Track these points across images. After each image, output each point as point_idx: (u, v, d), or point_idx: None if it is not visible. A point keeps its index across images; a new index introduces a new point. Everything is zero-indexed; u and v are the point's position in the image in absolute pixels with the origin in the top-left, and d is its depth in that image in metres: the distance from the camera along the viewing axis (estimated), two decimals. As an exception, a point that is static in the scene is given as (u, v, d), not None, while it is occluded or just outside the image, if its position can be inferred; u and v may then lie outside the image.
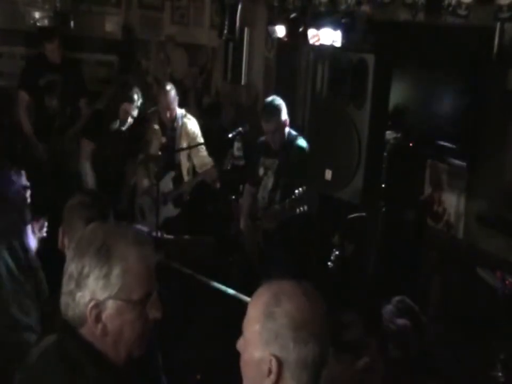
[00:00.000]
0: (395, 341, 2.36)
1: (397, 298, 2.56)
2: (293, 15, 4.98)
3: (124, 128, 5.45)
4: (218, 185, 5.41)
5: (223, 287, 3.88)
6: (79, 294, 1.60)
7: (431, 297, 4.23)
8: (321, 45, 4.46)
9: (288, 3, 5.22)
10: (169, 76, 7.08)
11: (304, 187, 4.23)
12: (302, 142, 4.60)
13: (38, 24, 6.69)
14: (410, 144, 4.01)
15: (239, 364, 1.63)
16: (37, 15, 6.71)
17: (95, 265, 1.59)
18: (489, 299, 3.47)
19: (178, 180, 5.48)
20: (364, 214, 4.05)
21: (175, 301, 3.51)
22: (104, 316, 1.60)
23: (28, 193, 3.35)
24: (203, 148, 5.44)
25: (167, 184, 5.40)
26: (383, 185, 3.79)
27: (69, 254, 1.67)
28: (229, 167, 5.06)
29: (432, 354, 2.45)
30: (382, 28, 4.40)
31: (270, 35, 5.39)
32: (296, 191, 4.24)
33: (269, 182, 4.74)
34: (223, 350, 2.40)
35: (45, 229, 3.28)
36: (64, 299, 1.64)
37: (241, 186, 5.16)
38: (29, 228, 3.19)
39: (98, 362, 1.62)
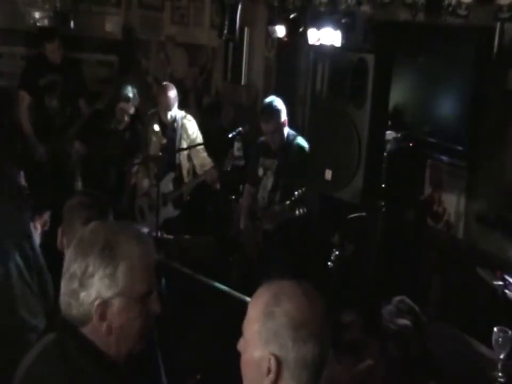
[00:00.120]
0: (395, 341, 2.36)
1: (397, 298, 2.55)
2: (293, 15, 4.98)
3: (120, 128, 5.45)
4: (218, 185, 5.41)
5: (223, 287, 3.87)
6: (83, 294, 1.61)
7: (431, 297, 4.23)
8: (321, 45, 4.46)
9: (288, 3, 5.22)
10: (169, 76, 7.08)
11: (304, 188, 4.23)
12: (301, 142, 4.60)
13: (38, 24, 6.70)
14: (410, 144, 4.01)
15: (239, 364, 1.62)
16: (37, 15, 6.73)
17: (99, 264, 1.60)
18: (489, 299, 3.47)
19: (178, 180, 5.48)
20: (364, 214, 4.04)
21: (175, 301, 3.51)
22: (109, 314, 1.62)
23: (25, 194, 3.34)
24: (203, 148, 5.45)
25: (167, 185, 5.40)
26: (383, 185, 3.79)
27: (69, 253, 1.67)
28: (229, 168, 5.05)
29: (432, 354, 2.45)
30: (382, 28, 4.40)
31: (270, 35, 5.38)
32: (296, 192, 4.24)
33: (269, 182, 4.74)
34: (223, 350, 2.40)
35: (48, 224, 3.26)
36: (65, 298, 1.64)
37: (241, 187, 5.16)
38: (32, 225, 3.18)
39: (99, 362, 1.63)
